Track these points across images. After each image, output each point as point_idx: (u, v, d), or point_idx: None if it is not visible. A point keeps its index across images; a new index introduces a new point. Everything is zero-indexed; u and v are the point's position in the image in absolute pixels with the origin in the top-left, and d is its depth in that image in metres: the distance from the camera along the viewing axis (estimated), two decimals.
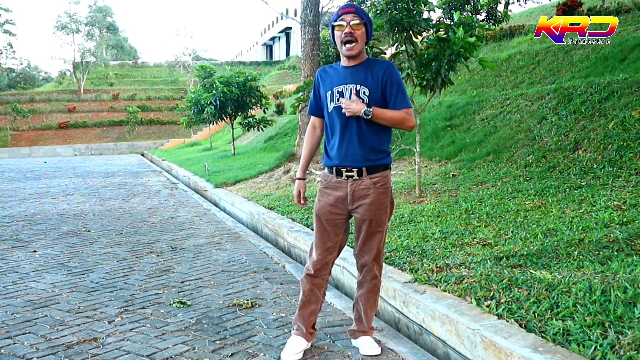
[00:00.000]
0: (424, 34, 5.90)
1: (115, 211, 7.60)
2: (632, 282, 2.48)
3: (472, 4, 14.75)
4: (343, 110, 2.34)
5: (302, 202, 2.59)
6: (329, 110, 2.45)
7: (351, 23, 2.31)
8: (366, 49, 2.51)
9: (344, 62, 2.43)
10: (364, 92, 2.35)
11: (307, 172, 8.91)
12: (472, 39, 5.31)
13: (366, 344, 2.57)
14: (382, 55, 5.76)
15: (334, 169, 2.44)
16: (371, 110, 2.30)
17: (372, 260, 2.49)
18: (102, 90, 42.74)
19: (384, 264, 3.52)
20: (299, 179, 2.59)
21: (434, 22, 5.75)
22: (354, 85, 2.37)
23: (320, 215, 2.48)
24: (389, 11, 5.47)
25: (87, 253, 4.92)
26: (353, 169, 2.39)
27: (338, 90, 2.40)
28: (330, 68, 2.52)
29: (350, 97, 2.37)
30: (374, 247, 2.47)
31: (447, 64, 5.49)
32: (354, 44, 2.33)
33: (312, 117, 2.60)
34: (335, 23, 2.35)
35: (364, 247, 2.49)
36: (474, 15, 14.41)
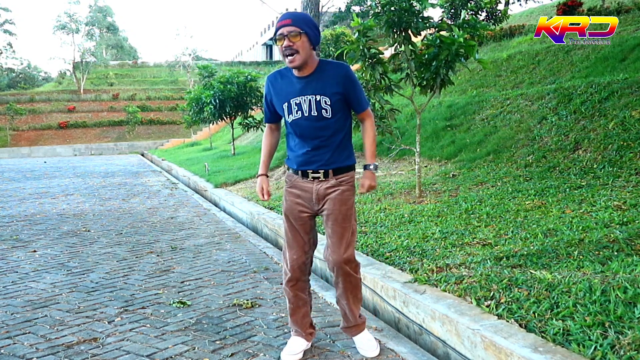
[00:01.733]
0: (423, 32, 5.89)
1: (115, 211, 7.60)
2: (632, 282, 2.48)
3: (473, 3, 14.75)
4: (367, 191, 2.49)
5: (265, 197, 2.60)
6: (289, 121, 2.41)
7: (288, 36, 2.23)
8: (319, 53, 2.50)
9: (296, 72, 2.35)
10: (325, 102, 2.33)
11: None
12: (467, 36, 5.30)
13: (364, 343, 2.56)
14: (381, 56, 5.74)
15: (299, 171, 2.45)
16: (376, 164, 2.48)
17: (340, 259, 2.40)
18: (102, 90, 42.72)
19: (383, 263, 3.53)
20: (261, 175, 2.60)
21: (434, 21, 5.74)
22: (313, 96, 2.33)
23: (289, 214, 2.49)
24: (386, 12, 5.46)
25: (87, 253, 4.92)
26: (319, 171, 2.41)
27: (296, 102, 2.35)
28: (281, 77, 2.43)
29: (310, 109, 2.34)
30: (341, 243, 2.39)
31: (446, 65, 5.49)
32: (295, 55, 2.25)
33: (267, 123, 2.60)
34: (276, 37, 2.28)
35: (330, 245, 2.43)
36: (475, 15, 14.41)
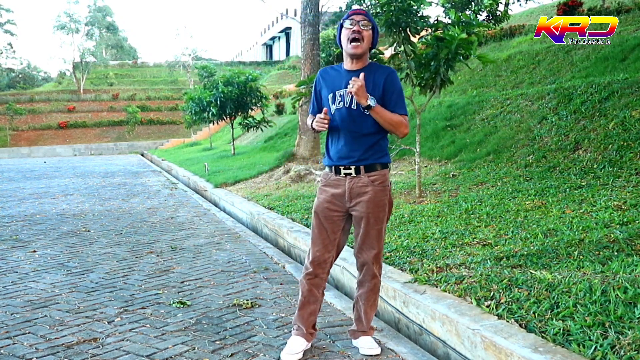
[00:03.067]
0: (422, 32, 5.88)
1: (115, 211, 7.59)
2: (632, 282, 2.48)
3: (474, 4, 14.72)
4: (348, 87, 2.31)
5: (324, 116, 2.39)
6: (332, 111, 2.48)
7: (360, 23, 2.36)
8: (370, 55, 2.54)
9: (347, 64, 2.47)
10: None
11: (308, 171, 8.92)
12: (465, 36, 5.28)
13: (366, 344, 2.58)
14: (381, 55, 5.75)
15: (333, 167, 2.49)
16: (375, 102, 2.34)
17: (372, 258, 2.50)
18: (102, 90, 42.71)
19: (383, 264, 3.53)
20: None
21: (431, 20, 5.73)
22: None
23: (319, 212, 2.51)
24: (385, 12, 5.45)
25: (87, 253, 4.92)
26: (351, 167, 2.44)
27: (340, 94, 2.45)
28: (332, 69, 2.56)
29: (351, 101, 2.40)
30: (374, 245, 2.48)
31: (446, 64, 5.48)
32: (359, 42, 2.37)
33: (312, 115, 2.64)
34: (346, 21, 2.39)
35: (363, 245, 2.50)
36: (475, 14, 14.37)
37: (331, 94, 2.48)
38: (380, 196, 2.44)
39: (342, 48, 2.46)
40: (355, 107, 2.41)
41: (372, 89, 2.39)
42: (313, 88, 2.61)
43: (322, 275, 2.55)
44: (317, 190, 2.58)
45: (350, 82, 2.30)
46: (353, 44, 2.37)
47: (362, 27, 2.36)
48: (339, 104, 2.45)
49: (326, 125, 2.41)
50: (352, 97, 2.40)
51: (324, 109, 2.42)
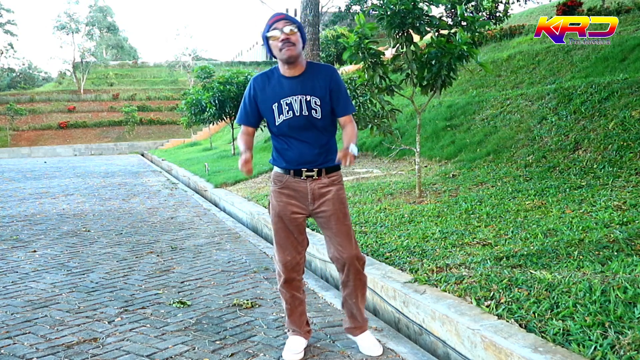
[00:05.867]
0: (428, 35, 5.85)
1: (115, 211, 7.60)
2: (632, 282, 2.48)
3: (474, 4, 14.73)
4: (348, 164, 2.23)
5: (247, 168, 2.35)
6: (277, 123, 2.40)
7: (284, 30, 2.27)
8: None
9: (285, 71, 2.37)
10: (315, 102, 2.35)
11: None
12: (469, 37, 5.27)
13: (367, 343, 2.57)
14: (382, 56, 5.72)
15: (292, 170, 2.44)
16: (356, 150, 2.29)
17: (351, 256, 2.44)
18: (102, 90, 42.71)
19: (383, 263, 3.53)
20: (247, 150, 2.42)
21: (436, 21, 5.69)
22: (304, 96, 2.35)
23: (282, 216, 2.47)
24: (389, 14, 5.42)
25: (87, 253, 4.92)
26: (313, 170, 2.42)
27: (286, 102, 2.37)
28: (269, 78, 2.43)
29: (300, 110, 2.35)
30: (350, 242, 2.44)
31: (448, 67, 5.47)
32: (292, 46, 2.28)
33: (243, 125, 2.51)
34: (269, 34, 2.30)
35: (339, 245, 2.44)
36: (475, 14, 14.37)
37: (276, 104, 2.38)
38: (341, 193, 2.46)
39: (273, 56, 2.37)
40: (306, 113, 2.35)
41: (316, 90, 2.35)
42: (246, 97, 2.47)
43: (298, 277, 2.54)
44: (272, 193, 2.51)
45: (341, 160, 2.20)
46: (288, 47, 2.27)
47: (288, 34, 2.27)
48: (287, 113, 2.36)
49: (250, 171, 2.34)
50: (299, 104, 2.34)
51: (244, 157, 2.32)
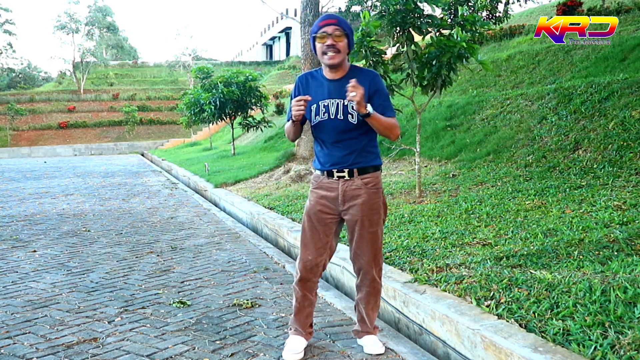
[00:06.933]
0: (429, 35, 5.85)
1: (115, 211, 7.60)
2: (632, 282, 2.48)
3: (471, 3, 14.72)
4: (349, 96, 2.19)
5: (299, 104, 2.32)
6: (313, 123, 2.43)
7: (333, 34, 2.28)
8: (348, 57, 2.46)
9: (327, 73, 2.40)
10: (352, 107, 2.33)
11: (308, 171, 8.92)
12: (469, 37, 5.27)
13: (370, 343, 2.58)
14: (383, 55, 5.72)
15: (325, 171, 2.46)
16: (372, 109, 2.27)
17: (368, 263, 2.48)
18: (102, 90, 42.72)
19: (383, 264, 3.53)
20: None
21: (437, 20, 5.69)
22: (341, 100, 2.36)
23: (311, 215, 2.49)
24: (390, 13, 5.42)
25: (87, 253, 4.92)
26: (344, 170, 2.41)
27: (324, 105, 2.39)
28: (313, 78, 2.47)
29: (337, 112, 2.35)
30: (369, 249, 2.46)
31: (448, 66, 5.47)
32: (336, 53, 2.29)
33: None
34: (317, 34, 2.31)
35: (358, 250, 2.48)
36: (475, 13, 14.36)
37: (315, 105, 2.41)
38: (374, 199, 2.43)
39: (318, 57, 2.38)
40: (341, 117, 2.36)
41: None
42: (292, 95, 2.49)
43: (315, 278, 2.54)
44: (309, 193, 2.56)
45: (349, 88, 2.18)
46: (331, 54, 2.29)
47: (335, 40, 2.28)
48: (323, 115, 2.39)
49: (302, 110, 2.30)
50: (336, 108, 2.35)
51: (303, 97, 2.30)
